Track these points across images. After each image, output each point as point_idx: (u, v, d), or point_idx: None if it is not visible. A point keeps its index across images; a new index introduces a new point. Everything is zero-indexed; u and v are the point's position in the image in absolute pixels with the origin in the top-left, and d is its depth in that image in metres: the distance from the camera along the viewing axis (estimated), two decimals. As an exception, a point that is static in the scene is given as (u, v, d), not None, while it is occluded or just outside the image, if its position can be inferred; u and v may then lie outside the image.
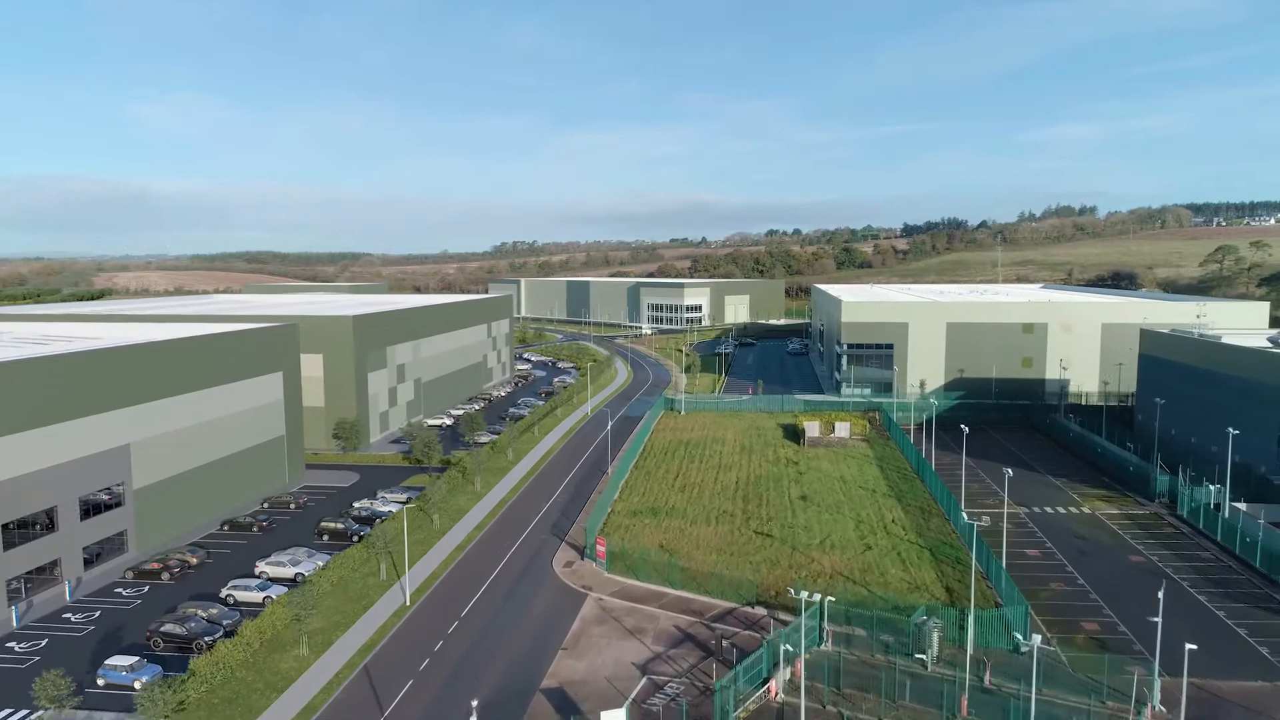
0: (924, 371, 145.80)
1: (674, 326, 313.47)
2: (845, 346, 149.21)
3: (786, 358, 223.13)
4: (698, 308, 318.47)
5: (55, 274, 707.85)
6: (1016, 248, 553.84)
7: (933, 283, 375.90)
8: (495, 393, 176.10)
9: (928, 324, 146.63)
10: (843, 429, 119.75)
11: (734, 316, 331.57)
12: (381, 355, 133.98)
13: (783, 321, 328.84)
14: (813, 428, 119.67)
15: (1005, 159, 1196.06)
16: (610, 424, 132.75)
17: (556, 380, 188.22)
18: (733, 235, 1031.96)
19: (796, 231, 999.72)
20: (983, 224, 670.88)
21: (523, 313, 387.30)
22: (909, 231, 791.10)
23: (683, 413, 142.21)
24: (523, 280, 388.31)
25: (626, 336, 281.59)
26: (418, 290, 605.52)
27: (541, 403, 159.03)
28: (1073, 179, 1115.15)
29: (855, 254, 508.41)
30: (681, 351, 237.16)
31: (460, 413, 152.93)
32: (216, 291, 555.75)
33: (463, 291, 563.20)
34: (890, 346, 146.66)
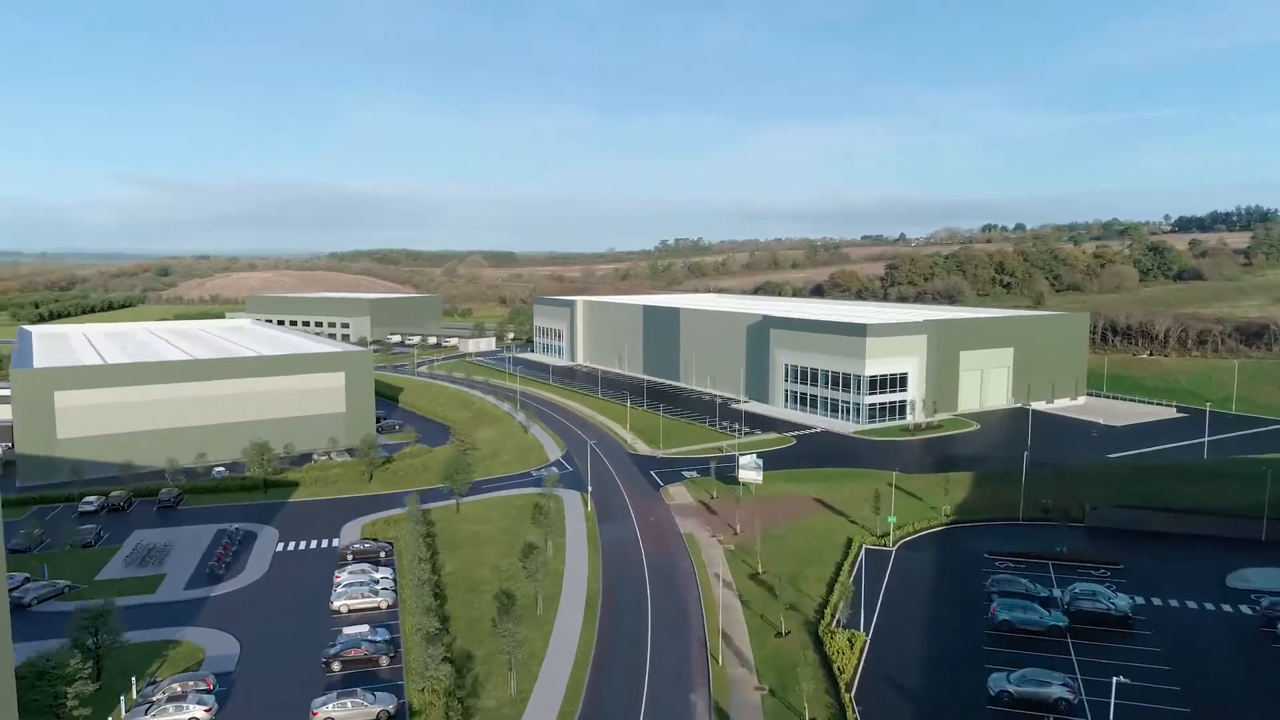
0: None
1: (842, 422, 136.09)
2: None
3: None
4: (897, 382, 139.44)
5: (128, 275, 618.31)
6: None
7: None
8: None
9: None
10: None
11: (978, 398, 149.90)
12: None
13: (1127, 421, 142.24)
14: None
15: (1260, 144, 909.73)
16: None
17: None
18: (939, 232, 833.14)
19: (1020, 227, 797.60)
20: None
21: (579, 357, 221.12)
22: (1182, 225, 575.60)
23: None
24: (579, 301, 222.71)
25: (706, 467, 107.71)
26: (502, 302, 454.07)
27: None
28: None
29: (1169, 256, 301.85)
30: (835, 623, 61.43)
31: None
32: (236, 308, 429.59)
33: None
34: None
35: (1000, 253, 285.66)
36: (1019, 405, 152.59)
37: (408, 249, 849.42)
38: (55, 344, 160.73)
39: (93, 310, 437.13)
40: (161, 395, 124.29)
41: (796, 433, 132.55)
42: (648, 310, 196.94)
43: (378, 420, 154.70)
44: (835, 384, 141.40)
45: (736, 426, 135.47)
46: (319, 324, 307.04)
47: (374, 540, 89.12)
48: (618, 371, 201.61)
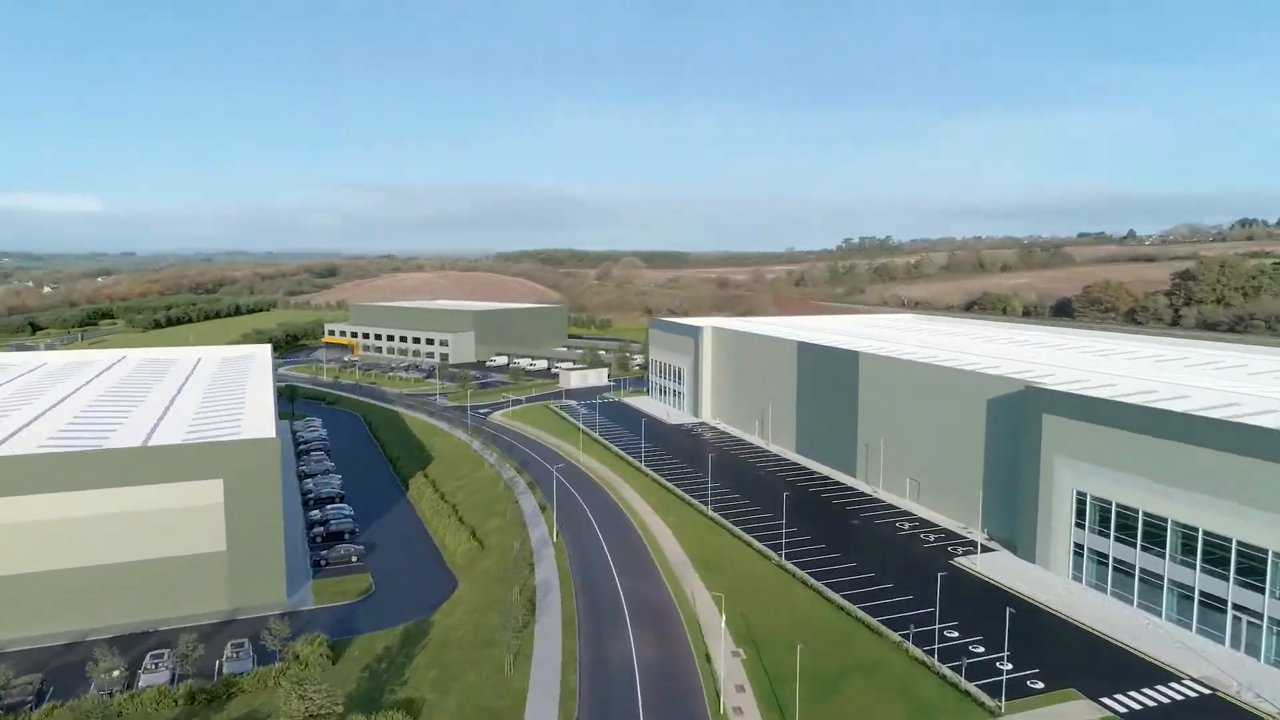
0: None
1: (1246, 663, 56.63)
2: None
3: None
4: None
5: (281, 277, 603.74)
6: None
7: None
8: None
9: None
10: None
11: None
12: None
13: None
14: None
15: None
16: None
17: None
18: (1176, 228, 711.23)
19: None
20: None
21: (704, 411, 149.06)
22: None
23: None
24: (705, 329, 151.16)
25: None
26: (647, 313, 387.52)
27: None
28: None
29: None
30: None
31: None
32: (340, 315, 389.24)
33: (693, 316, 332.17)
34: None
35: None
36: None
37: (574, 249, 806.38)
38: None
39: (219, 315, 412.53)
40: None
41: (1122, 698, 54.51)
42: (805, 350, 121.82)
43: (340, 538, 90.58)
44: (1220, 565, 61.97)
45: (970, 644, 59.19)
46: (415, 340, 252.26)
47: None
48: (757, 444, 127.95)
